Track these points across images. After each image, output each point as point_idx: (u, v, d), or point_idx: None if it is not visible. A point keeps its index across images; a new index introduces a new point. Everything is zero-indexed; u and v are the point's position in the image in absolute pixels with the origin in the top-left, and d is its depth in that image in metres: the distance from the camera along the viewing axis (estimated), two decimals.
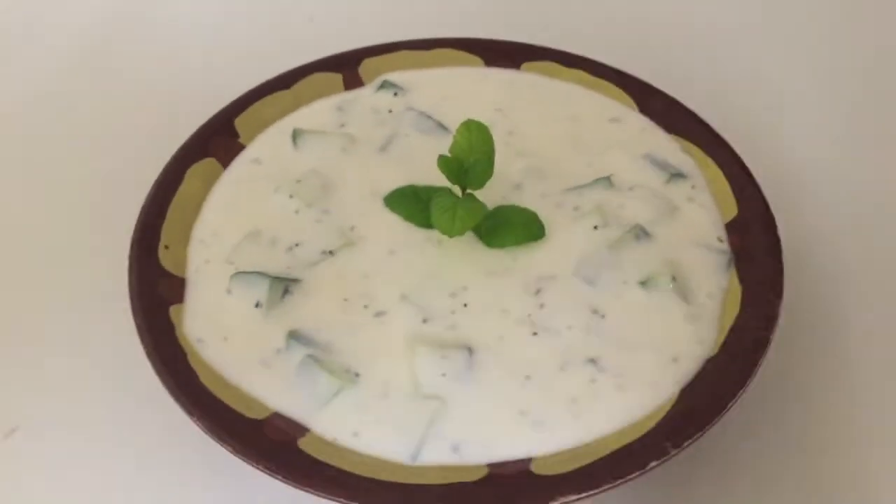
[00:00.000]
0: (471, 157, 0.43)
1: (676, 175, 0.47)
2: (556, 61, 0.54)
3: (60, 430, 0.43)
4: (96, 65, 0.63)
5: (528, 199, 0.45)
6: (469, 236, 0.44)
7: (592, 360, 0.39)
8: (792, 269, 0.42)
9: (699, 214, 0.45)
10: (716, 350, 0.39)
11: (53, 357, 0.46)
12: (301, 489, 0.35)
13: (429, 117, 0.50)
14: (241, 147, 0.49)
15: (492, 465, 0.36)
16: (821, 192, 0.53)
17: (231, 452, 0.36)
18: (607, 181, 0.46)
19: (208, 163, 0.48)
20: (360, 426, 0.37)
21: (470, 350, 0.39)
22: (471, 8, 0.65)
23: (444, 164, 0.43)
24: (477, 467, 0.36)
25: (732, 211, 0.45)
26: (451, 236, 0.41)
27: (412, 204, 0.44)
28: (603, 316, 0.41)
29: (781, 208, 0.45)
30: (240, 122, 0.50)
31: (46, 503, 0.41)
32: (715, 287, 0.42)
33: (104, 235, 0.46)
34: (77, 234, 0.51)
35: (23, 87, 0.60)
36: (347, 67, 0.53)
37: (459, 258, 0.43)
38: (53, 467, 0.42)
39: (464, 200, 0.42)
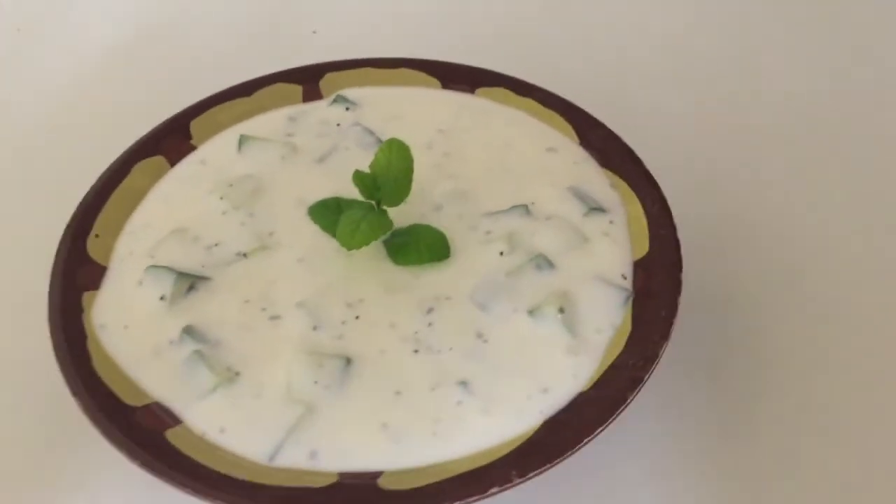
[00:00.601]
0: (388, 175, 0.44)
1: (596, 209, 0.47)
2: (510, 88, 0.54)
3: None
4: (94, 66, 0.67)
5: (445, 221, 0.46)
6: (380, 252, 0.45)
7: (464, 383, 0.40)
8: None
9: (609, 250, 0.45)
10: (589, 385, 0.39)
11: None
12: (155, 476, 0.36)
13: (371, 133, 0.52)
14: (193, 148, 0.52)
15: (342, 474, 0.37)
16: (742, 239, 0.52)
17: (100, 433, 0.38)
18: (524, 209, 0.47)
19: (157, 160, 0.50)
20: (229, 423, 0.39)
21: (348, 360, 0.40)
22: (472, 33, 0.66)
23: (359, 178, 0.44)
24: (327, 474, 0.37)
25: (644, 249, 0.45)
26: (348, 249, 0.42)
27: (332, 215, 0.46)
28: (486, 340, 0.41)
29: (698, 251, 0.44)
30: (195, 125, 0.52)
31: None
32: (606, 323, 0.42)
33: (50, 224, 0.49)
34: (26, 222, 0.54)
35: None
36: (309, 80, 0.55)
37: (364, 272, 0.44)
38: None
39: (371, 215, 0.44)
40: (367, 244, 0.43)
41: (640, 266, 0.44)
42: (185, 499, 0.37)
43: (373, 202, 0.45)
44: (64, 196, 0.48)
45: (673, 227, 0.45)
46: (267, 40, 0.70)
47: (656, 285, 0.43)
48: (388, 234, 0.44)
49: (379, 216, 0.44)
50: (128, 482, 0.41)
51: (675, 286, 0.42)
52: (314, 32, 0.72)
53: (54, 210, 0.47)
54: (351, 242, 0.42)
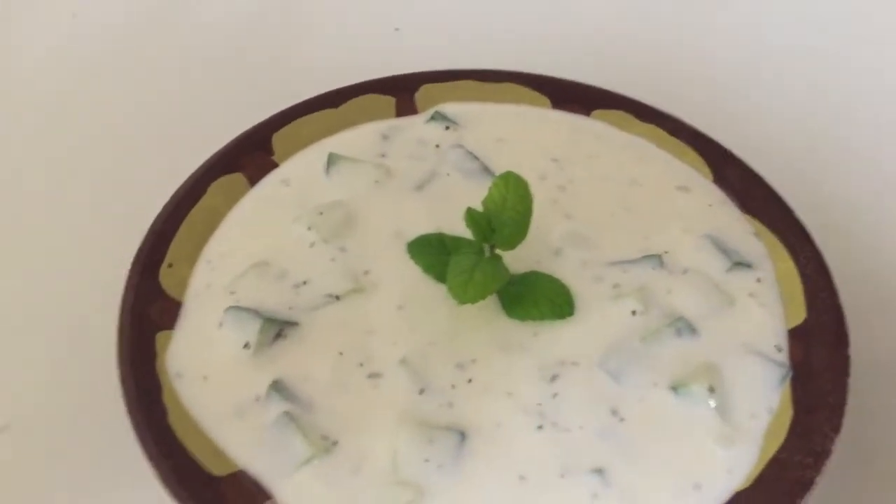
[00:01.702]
0: (503, 215, 0.39)
1: (741, 264, 0.41)
2: (631, 112, 0.48)
3: (49, 429, 0.41)
4: (147, 64, 0.61)
5: (565, 268, 0.41)
6: (491, 301, 0.39)
7: (599, 471, 0.34)
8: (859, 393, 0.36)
9: (759, 315, 0.39)
10: (748, 483, 0.34)
11: (45, 359, 0.43)
12: None
13: (476, 158, 0.46)
14: (274, 165, 0.46)
15: None
16: None
17: None
18: (658, 259, 0.41)
19: (235, 178, 0.45)
20: (326, 502, 0.33)
21: (462, 435, 0.35)
22: (557, 44, 0.60)
23: (471, 218, 0.38)
24: None
25: (800, 316, 0.39)
26: (461, 303, 0.36)
27: (435, 255, 0.40)
28: (622, 419, 0.35)
29: (859, 321, 0.38)
30: (277, 138, 0.47)
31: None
32: (762, 407, 0.36)
33: (116, 245, 0.44)
34: (91, 239, 0.49)
35: (57, 87, 0.59)
36: (403, 91, 0.50)
37: (474, 325, 0.39)
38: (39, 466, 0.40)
39: (485, 263, 0.38)
40: (483, 298, 0.37)
41: (795, 336, 0.38)
42: None
43: (485, 245, 0.39)
44: (130, 217, 0.42)
45: (834, 291, 0.39)
46: (347, 38, 0.64)
47: (818, 362, 0.37)
48: None
49: (494, 264, 0.38)
50: None
51: (843, 365, 0.36)
52: (397, 30, 0.65)
53: (120, 235, 0.42)
54: (465, 296, 0.36)
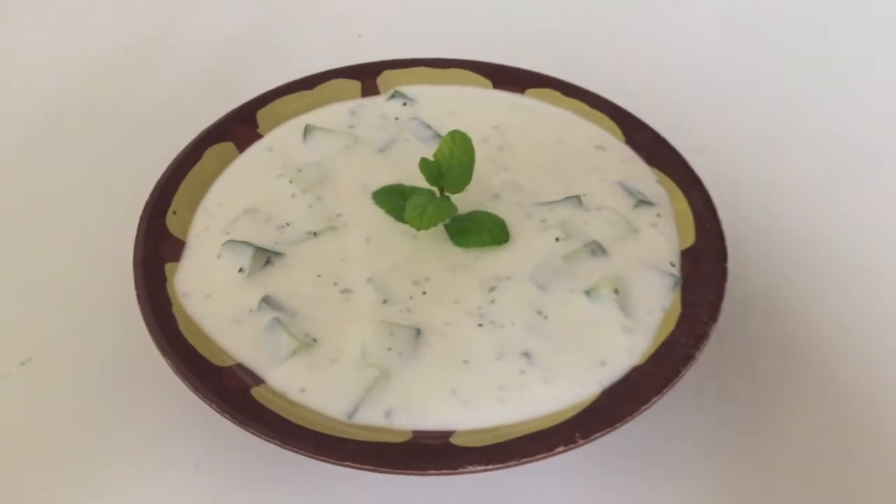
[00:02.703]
0: (451, 163, 0.47)
1: (644, 202, 0.50)
2: (557, 89, 0.58)
3: (71, 362, 0.48)
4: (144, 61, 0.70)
5: (502, 208, 0.49)
6: (441, 235, 0.48)
7: (526, 354, 0.42)
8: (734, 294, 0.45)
9: (658, 240, 0.48)
10: (644, 360, 0.42)
11: (66, 298, 0.51)
12: (244, 429, 0.39)
13: (429, 127, 0.55)
14: (259, 136, 0.55)
15: (416, 433, 0.40)
16: (778, 231, 0.55)
17: (191, 390, 0.40)
18: (577, 200, 0.50)
19: (226, 146, 0.54)
20: (308, 384, 0.42)
21: (418, 331, 0.43)
22: (493, 35, 0.70)
23: (424, 165, 0.47)
24: (403, 432, 0.40)
25: (691, 240, 0.48)
26: (417, 230, 0.45)
27: (395, 200, 0.49)
28: (546, 317, 0.44)
29: (736, 244, 0.48)
30: (262, 115, 0.56)
31: (54, 430, 0.45)
32: (657, 305, 0.45)
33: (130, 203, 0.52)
34: (109, 199, 0.57)
35: (63, 79, 0.68)
36: (367, 76, 0.59)
37: (428, 252, 0.47)
38: (62, 398, 0.47)
39: (437, 200, 0.47)
40: (434, 225, 0.46)
41: (686, 255, 0.48)
42: (254, 459, 0.40)
43: (436, 189, 0.48)
44: (141, 180, 0.51)
45: (717, 221, 0.48)
46: (315, 42, 0.73)
47: (703, 273, 0.46)
48: (451, 218, 0.47)
49: (444, 201, 0.47)
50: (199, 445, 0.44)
51: (721, 273, 0.45)
52: (360, 36, 0.75)
53: (134, 190, 0.50)
54: (420, 224, 0.45)
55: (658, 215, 0.50)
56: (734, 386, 0.47)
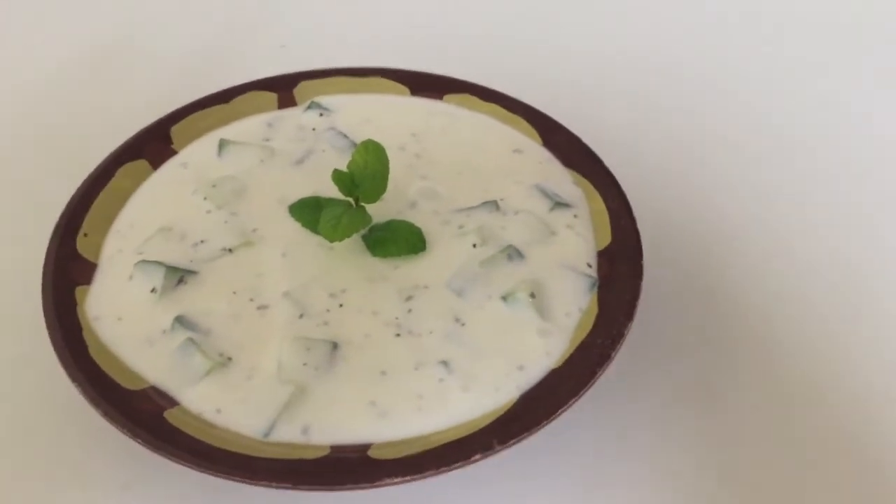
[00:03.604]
0: (365, 173, 0.47)
1: (561, 204, 0.50)
2: (475, 94, 0.58)
3: None
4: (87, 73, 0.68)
5: (420, 217, 0.49)
6: (359, 245, 0.48)
7: (444, 363, 0.42)
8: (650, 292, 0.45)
9: (575, 241, 0.49)
10: (561, 363, 0.43)
11: None
12: (157, 453, 0.38)
13: (345, 136, 0.54)
14: (174, 152, 0.54)
15: (333, 447, 0.40)
16: (693, 229, 0.56)
17: (102, 416, 0.39)
18: (494, 205, 0.50)
19: (140, 164, 0.53)
20: (224, 404, 0.41)
21: (335, 345, 0.43)
22: (415, 46, 0.70)
23: (338, 177, 0.47)
24: (320, 447, 0.40)
25: (607, 240, 0.49)
26: (331, 241, 0.45)
27: (311, 212, 0.48)
28: (463, 324, 0.44)
29: (650, 242, 0.48)
30: (176, 130, 0.55)
31: None
32: (574, 307, 0.45)
33: (39, 224, 0.51)
34: (16, 219, 0.55)
35: None
36: (283, 88, 0.58)
37: (345, 264, 0.47)
38: None
39: (351, 211, 0.46)
40: (348, 236, 0.45)
41: (603, 256, 0.48)
42: (183, 477, 0.39)
43: (351, 199, 0.48)
44: (51, 198, 0.49)
45: (632, 219, 0.49)
46: (236, 55, 0.72)
47: (619, 272, 0.46)
48: (367, 228, 0.47)
49: (358, 212, 0.47)
50: (125, 466, 0.43)
51: (637, 272, 0.46)
52: (283, 46, 0.74)
53: (43, 211, 0.49)
54: (333, 235, 0.45)
55: (575, 216, 0.50)
56: (651, 383, 0.47)
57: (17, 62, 0.70)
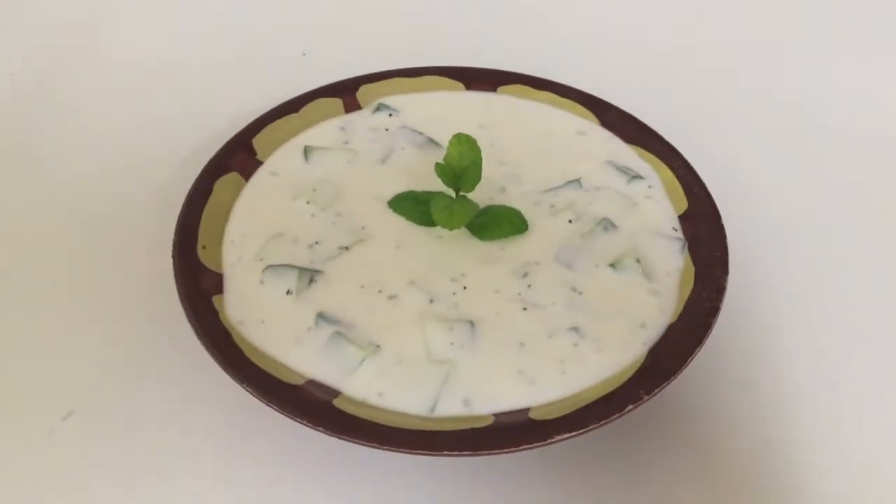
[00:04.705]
0: (462, 164, 0.51)
1: (635, 177, 0.55)
2: (528, 84, 0.62)
3: (115, 414, 0.48)
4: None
5: (511, 200, 0.53)
6: (463, 232, 0.51)
7: (575, 329, 0.47)
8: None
9: (656, 209, 0.53)
10: (676, 317, 0.47)
11: (112, 346, 0.51)
12: (341, 439, 0.41)
13: (420, 133, 0.58)
14: (259, 163, 0.57)
15: (497, 415, 0.44)
16: (756, 192, 0.62)
17: (277, 411, 0.42)
18: (577, 183, 0.54)
19: (232, 176, 0.55)
20: (384, 387, 0.44)
21: (472, 323, 0.47)
22: (456, 40, 0.74)
23: (441, 169, 0.51)
24: (485, 416, 0.43)
25: (683, 206, 0.54)
26: (450, 229, 0.49)
27: (413, 206, 0.52)
28: (581, 293, 0.48)
29: (724, 202, 0.53)
30: (257, 141, 0.57)
31: (103, 484, 0.45)
32: (672, 267, 0.50)
33: (146, 248, 0.52)
34: (124, 248, 0.56)
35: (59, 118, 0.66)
36: (347, 93, 0.61)
37: (456, 250, 0.51)
38: (107, 452, 0.46)
39: (459, 200, 0.50)
40: (466, 223, 0.49)
41: (684, 219, 0.53)
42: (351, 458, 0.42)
43: (445, 191, 0.51)
44: (144, 220, 0.51)
45: (703, 185, 0.54)
46: (259, 67, 0.74)
47: (703, 233, 0.51)
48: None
49: (464, 200, 0.51)
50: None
51: (720, 231, 0.51)
52: (304, 55, 0.76)
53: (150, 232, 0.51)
54: (451, 223, 0.49)
55: (650, 187, 0.55)
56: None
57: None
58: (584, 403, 0.43)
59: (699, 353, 0.45)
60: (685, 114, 0.66)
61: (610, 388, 0.44)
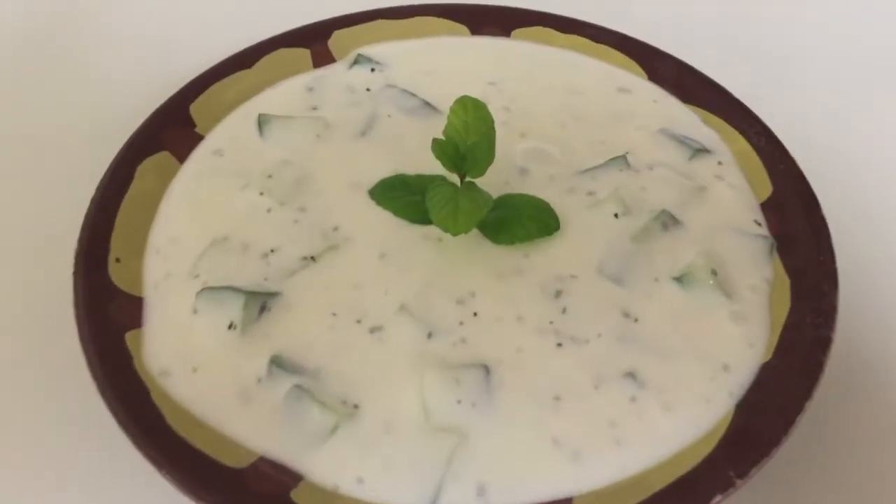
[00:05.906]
0: (468, 140, 0.37)
1: (700, 150, 0.41)
2: (550, 26, 0.48)
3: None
4: (31, 48, 0.55)
5: (535, 186, 0.40)
6: (472, 233, 0.37)
7: (630, 374, 0.33)
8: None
9: (731, 195, 0.40)
10: (770, 354, 0.34)
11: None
12: None
13: (412, 95, 0.44)
14: (200, 137, 0.43)
15: None
16: (861, 169, 0.47)
17: None
18: (623, 160, 0.41)
19: (161, 157, 0.41)
20: (365, 470, 0.31)
21: (486, 368, 0.33)
22: None
23: (439, 148, 0.37)
24: None
25: (767, 189, 0.40)
26: (455, 234, 0.35)
27: (402, 196, 0.38)
28: (636, 320, 0.35)
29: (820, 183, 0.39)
30: (196, 109, 0.44)
31: None
32: (758, 279, 0.37)
33: (44, 247, 0.39)
34: (13, 244, 0.43)
35: None
36: (316, 41, 0.47)
37: (463, 259, 0.37)
38: None
39: (465, 190, 0.36)
40: (475, 225, 0.35)
41: (768, 208, 0.39)
42: None
43: (445, 175, 0.38)
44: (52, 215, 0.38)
45: (792, 160, 0.40)
46: (235, 9, 0.59)
47: (796, 227, 0.38)
48: None
49: (473, 190, 0.37)
50: None
51: (821, 225, 0.37)
52: None
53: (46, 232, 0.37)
54: (456, 227, 0.35)
55: (719, 163, 0.41)
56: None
57: None
58: (650, 492, 0.30)
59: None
60: (758, 65, 0.51)
61: (686, 468, 0.31)
